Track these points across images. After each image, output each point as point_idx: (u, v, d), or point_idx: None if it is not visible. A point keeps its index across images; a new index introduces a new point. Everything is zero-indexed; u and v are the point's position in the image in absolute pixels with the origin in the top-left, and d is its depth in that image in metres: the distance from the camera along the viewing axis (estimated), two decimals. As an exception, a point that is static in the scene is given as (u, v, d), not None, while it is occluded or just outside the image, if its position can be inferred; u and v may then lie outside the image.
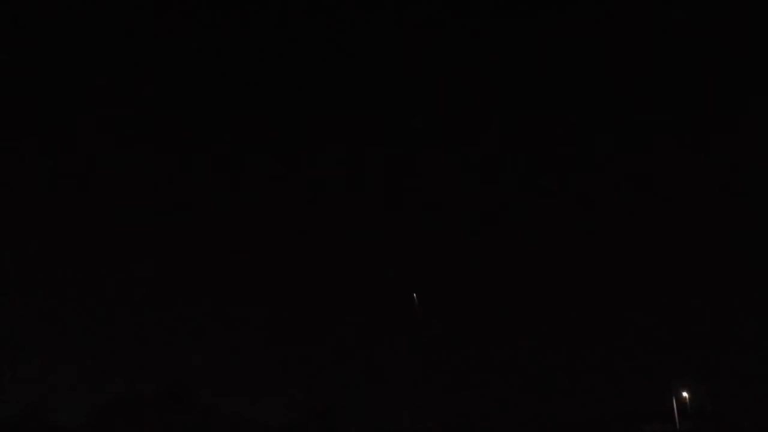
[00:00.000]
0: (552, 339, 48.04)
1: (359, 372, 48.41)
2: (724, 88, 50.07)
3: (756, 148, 47.49)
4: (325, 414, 46.05)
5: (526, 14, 52.41)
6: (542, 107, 53.25)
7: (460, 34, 53.11)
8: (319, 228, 51.54)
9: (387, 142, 52.69)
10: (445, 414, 47.85)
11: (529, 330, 48.46)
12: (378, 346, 49.70)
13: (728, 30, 49.02)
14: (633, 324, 46.86)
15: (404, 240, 52.00)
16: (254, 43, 51.92)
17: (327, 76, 52.46)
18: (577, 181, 51.84)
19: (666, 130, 51.45)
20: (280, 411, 46.63)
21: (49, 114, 49.37)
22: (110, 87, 49.72)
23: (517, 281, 51.06)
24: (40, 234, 47.53)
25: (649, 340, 46.41)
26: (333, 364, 48.57)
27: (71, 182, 49.24)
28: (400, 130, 52.83)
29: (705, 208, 48.48)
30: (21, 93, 48.59)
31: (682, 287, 46.91)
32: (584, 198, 51.35)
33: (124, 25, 49.88)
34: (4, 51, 46.86)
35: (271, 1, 51.97)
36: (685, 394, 44.69)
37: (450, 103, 52.65)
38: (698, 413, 44.39)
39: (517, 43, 52.55)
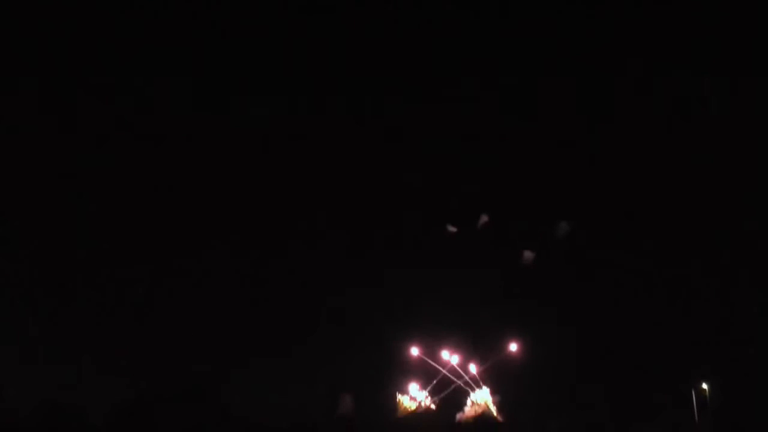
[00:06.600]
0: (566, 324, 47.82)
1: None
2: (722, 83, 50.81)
3: (759, 142, 48.07)
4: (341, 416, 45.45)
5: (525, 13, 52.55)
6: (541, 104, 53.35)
7: (456, 31, 52.98)
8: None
9: (385, 140, 52.08)
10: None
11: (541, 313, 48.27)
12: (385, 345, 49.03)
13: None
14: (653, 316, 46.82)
15: (403, 239, 51.50)
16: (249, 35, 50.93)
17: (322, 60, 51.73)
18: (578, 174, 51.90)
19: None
20: (291, 413, 45.59)
21: (48, 112, 47.60)
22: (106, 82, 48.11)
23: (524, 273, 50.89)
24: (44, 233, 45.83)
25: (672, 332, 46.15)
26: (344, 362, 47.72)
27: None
28: (398, 127, 52.33)
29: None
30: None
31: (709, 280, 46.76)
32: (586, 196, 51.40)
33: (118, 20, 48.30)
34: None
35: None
36: (704, 385, 44.30)
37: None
38: (718, 406, 43.76)
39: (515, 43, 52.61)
